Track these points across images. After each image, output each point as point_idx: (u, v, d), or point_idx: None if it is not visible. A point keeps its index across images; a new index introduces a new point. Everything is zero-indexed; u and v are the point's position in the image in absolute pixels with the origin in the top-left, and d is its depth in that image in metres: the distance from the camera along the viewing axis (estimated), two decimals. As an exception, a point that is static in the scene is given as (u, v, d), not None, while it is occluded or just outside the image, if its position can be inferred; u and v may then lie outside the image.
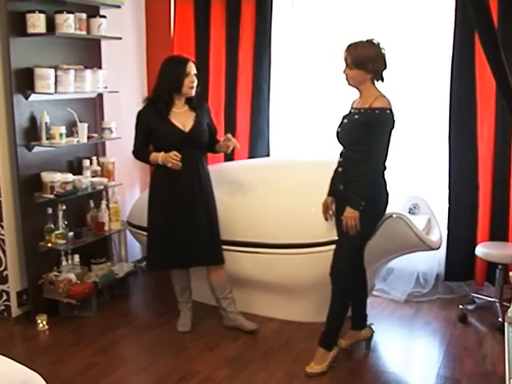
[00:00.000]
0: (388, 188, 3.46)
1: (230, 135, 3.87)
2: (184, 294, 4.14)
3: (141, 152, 3.88)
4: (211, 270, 4.00)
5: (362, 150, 3.33)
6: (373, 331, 3.78)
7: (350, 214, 3.34)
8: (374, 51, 3.33)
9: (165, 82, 3.78)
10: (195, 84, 3.80)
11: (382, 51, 3.35)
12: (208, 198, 3.93)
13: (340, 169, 3.53)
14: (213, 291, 4.07)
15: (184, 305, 4.15)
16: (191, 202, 3.84)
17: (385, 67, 3.38)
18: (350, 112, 3.48)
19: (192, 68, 3.79)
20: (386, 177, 3.45)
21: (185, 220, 3.85)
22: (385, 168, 3.41)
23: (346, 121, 3.48)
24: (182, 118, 3.81)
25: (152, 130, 3.80)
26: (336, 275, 3.49)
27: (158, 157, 3.74)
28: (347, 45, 3.38)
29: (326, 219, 3.72)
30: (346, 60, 3.37)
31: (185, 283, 4.13)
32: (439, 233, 4.23)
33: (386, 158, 3.38)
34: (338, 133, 3.51)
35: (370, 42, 3.35)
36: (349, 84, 3.44)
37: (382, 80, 3.41)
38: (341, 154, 3.54)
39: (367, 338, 3.77)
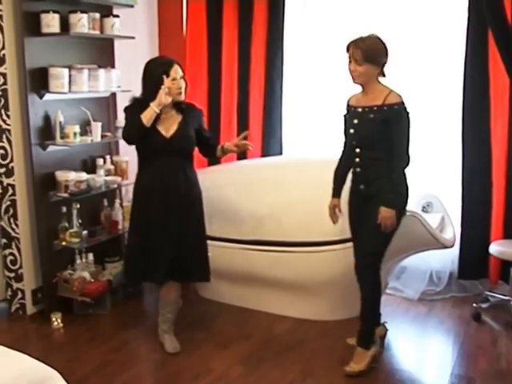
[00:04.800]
0: (408, 181, 3.42)
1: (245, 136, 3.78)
2: (166, 315, 3.86)
3: (133, 122, 3.55)
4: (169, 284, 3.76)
5: (383, 147, 3.31)
6: (386, 329, 3.77)
7: (387, 214, 3.30)
8: (381, 44, 3.30)
9: (150, 88, 3.55)
10: (183, 88, 3.60)
11: (385, 44, 3.32)
12: (187, 211, 3.67)
13: (358, 169, 3.46)
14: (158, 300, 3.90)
15: (164, 323, 3.87)
16: (164, 213, 3.61)
17: (386, 61, 3.36)
18: (357, 111, 3.40)
19: (177, 72, 3.56)
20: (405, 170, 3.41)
21: (158, 231, 3.63)
22: (409, 162, 3.36)
23: (356, 121, 3.41)
24: (166, 123, 3.59)
25: None
26: (365, 273, 3.47)
27: (151, 105, 3.46)
28: (350, 41, 3.31)
29: (334, 222, 3.67)
30: (353, 56, 3.28)
31: (170, 305, 3.84)
32: (453, 231, 4.22)
33: (409, 150, 3.34)
34: (350, 134, 3.45)
35: (372, 35, 3.30)
36: (354, 81, 3.36)
37: (384, 75, 3.37)
38: (356, 155, 3.44)
39: (381, 336, 3.74)
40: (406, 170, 3.38)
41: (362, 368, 3.48)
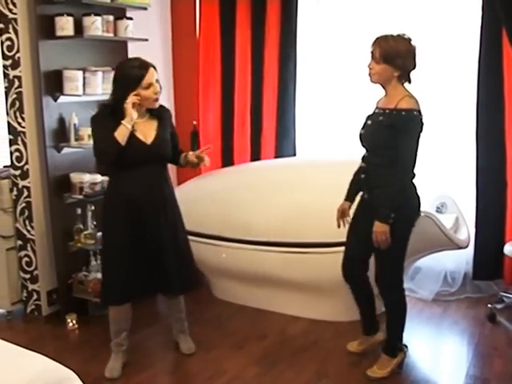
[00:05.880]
0: (418, 191, 3.28)
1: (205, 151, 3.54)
2: (120, 335, 3.63)
3: (107, 140, 3.24)
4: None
5: (386, 154, 3.14)
6: (405, 355, 3.60)
7: (380, 229, 3.14)
8: (406, 46, 3.09)
9: (119, 92, 3.29)
10: (159, 93, 3.34)
11: (413, 48, 3.12)
12: (174, 221, 3.51)
13: (363, 175, 3.33)
14: (167, 305, 3.88)
15: (117, 346, 3.65)
16: (153, 226, 3.41)
17: (414, 66, 3.15)
18: (374, 112, 3.27)
19: (153, 75, 3.29)
20: (414, 180, 3.25)
21: (149, 247, 3.42)
22: (414, 175, 3.20)
23: (369, 122, 3.27)
24: (144, 128, 3.34)
25: None
26: (389, 289, 3.41)
27: (123, 123, 3.22)
28: (376, 37, 3.14)
29: (339, 226, 3.53)
30: (373, 53, 3.12)
31: (123, 324, 3.62)
32: (467, 231, 4.21)
33: (415, 164, 3.15)
34: (360, 135, 3.30)
35: (401, 36, 3.11)
36: (371, 80, 3.19)
37: (409, 81, 3.18)
38: (363, 159, 3.35)
39: (399, 362, 3.53)
40: (416, 178, 3.25)
41: (385, 375, 3.45)
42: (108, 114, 3.33)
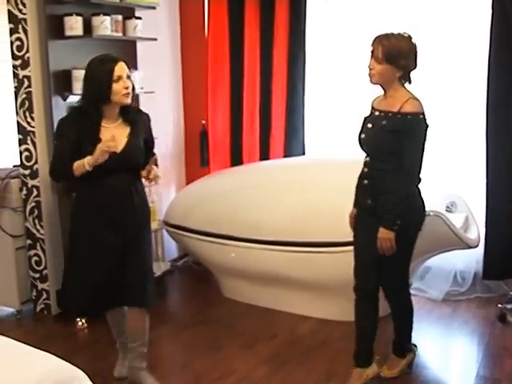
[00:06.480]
0: (422, 194, 3.18)
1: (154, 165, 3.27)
2: (122, 336, 3.54)
3: (62, 163, 3.11)
4: (129, 311, 3.36)
5: (390, 159, 3.01)
6: (415, 355, 3.54)
7: (385, 236, 3.03)
8: (408, 45, 2.96)
9: (89, 91, 3.10)
10: (130, 89, 3.10)
11: (414, 46, 2.98)
12: (141, 232, 3.30)
13: (366, 181, 3.17)
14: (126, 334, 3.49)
15: (122, 346, 3.57)
16: (122, 239, 3.20)
17: (415, 66, 3.01)
18: (374, 114, 3.11)
19: (123, 70, 3.08)
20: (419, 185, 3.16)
21: (113, 259, 3.21)
22: (420, 179, 3.08)
23: (370, 125, 3.11)
24: (115, 135, 3.10)
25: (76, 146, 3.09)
26: (395, 292, 3.38)
27: (85, 161, 3.02)
28: (376, 35, 2.99)
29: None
30: (374, 52, 2.97)
31: (120, 326, 3.52)
32: (477, 231, 4.19)
33: (421, 168, 3.04)
34: (361, 139, 3.15)
35: (401, 34, 2.97)
36: (371, 81, 3.03)
37: (410, 81, 3.04)
38: (365, 164, 3.18)
39: (409, 362, 3.51)
40: (423, 181, 3.14)
41: (395, 374, 3.44)
42: (77, 117, 3.14)
